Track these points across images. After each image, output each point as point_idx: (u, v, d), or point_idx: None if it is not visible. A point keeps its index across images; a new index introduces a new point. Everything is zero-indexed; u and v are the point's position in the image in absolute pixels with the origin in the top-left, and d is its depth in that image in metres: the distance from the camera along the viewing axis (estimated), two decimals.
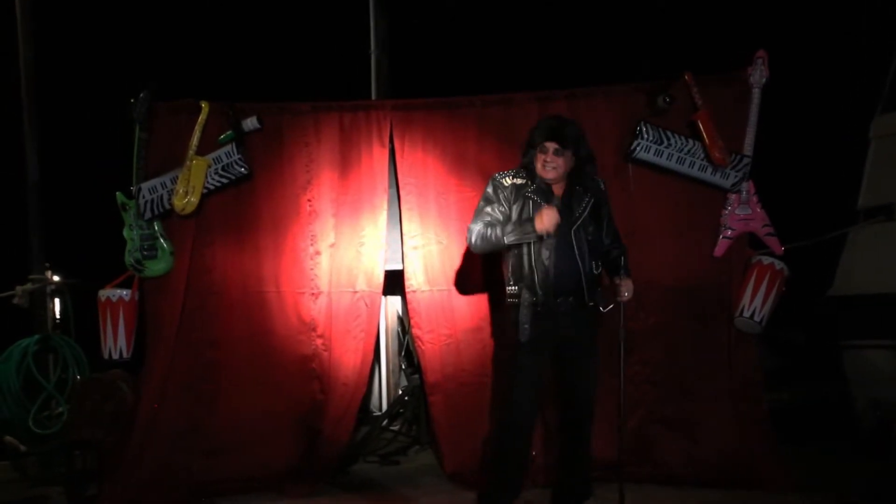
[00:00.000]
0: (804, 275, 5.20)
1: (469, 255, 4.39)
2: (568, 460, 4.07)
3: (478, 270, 4.95)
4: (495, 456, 4.07)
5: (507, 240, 3.79)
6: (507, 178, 3.96)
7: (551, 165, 3.82)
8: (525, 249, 3.84)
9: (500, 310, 4.08)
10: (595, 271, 3.92)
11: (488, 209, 3.94)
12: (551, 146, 3.81)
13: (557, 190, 3.92)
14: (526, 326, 3.82)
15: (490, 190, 3.98)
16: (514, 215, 3.88)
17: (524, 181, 3.92)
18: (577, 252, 3.83)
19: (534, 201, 3.86)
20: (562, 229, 3.79)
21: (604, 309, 3.96)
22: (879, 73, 5.82)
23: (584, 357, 3.97)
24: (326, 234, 5.15)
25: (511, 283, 3.93)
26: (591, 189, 3.94)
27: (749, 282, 4.78)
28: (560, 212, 3.75)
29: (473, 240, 3.93)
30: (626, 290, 3.93)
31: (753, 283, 4.77)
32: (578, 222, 3.86)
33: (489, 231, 3.86)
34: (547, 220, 3.69)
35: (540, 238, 3.75)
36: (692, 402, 4.85)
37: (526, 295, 3.84)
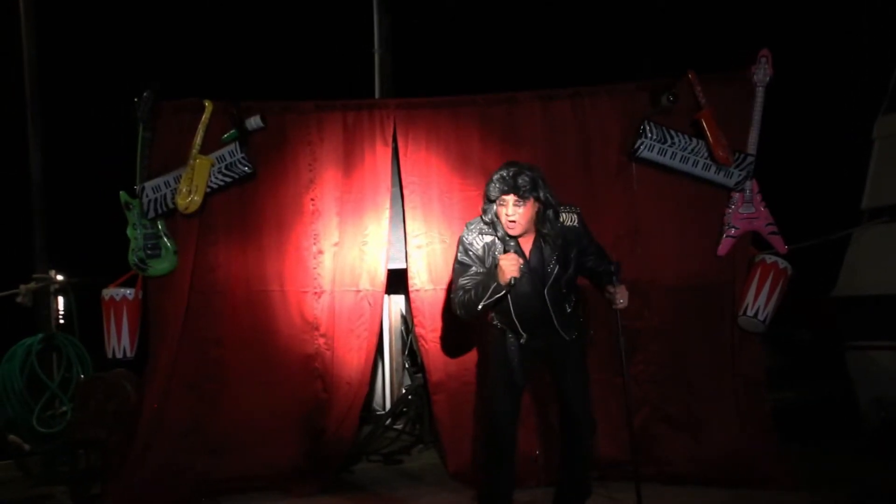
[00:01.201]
0: (808, 275, 5.20)
1: None
2: (567, 460, 4.02)
3: None
4: (486, 458, 4.04)
5: (482, 304, 3.67)
6: (476, 239, 3.81)
7: (513, 219, 3.66)
8: (506, 301, 3.76)
9: (485, 323, 4.04)
10: (569, 309, 3.86)
11: (464, 280, 3.79)
12: (510, 199, 3.65)
13: (525, 243, 3.78)
14: (515, 364, 3.85)
15: (461, 254, 3.84)
16: None
17: (491, 237, 3.80)
18: (550, 305, 3.76)
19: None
20: (535, 287, 3.75)
21: (581, 337, 3.93)
22: (883, 73, 5.80)
23: (572, 361, 3.92)
24: (330, 233, 5.15)
25: (495, 320, 3.92)
26: (559, 235, 3.78)
27: (753, 280, 4.78)
28: (520, 259, 3.66)
29: (458, 312, 3.83)
30: (622, 298, 3.83)
31: (757, 282, 4.77)
32: (550, 280, 3.76)
33: (465, 297, 3.73)
34: (507, 270, 3.57)
35: (509, 288, 3.64)
36: (696, 401, 4.85)
37: (511, 337, 3.86)
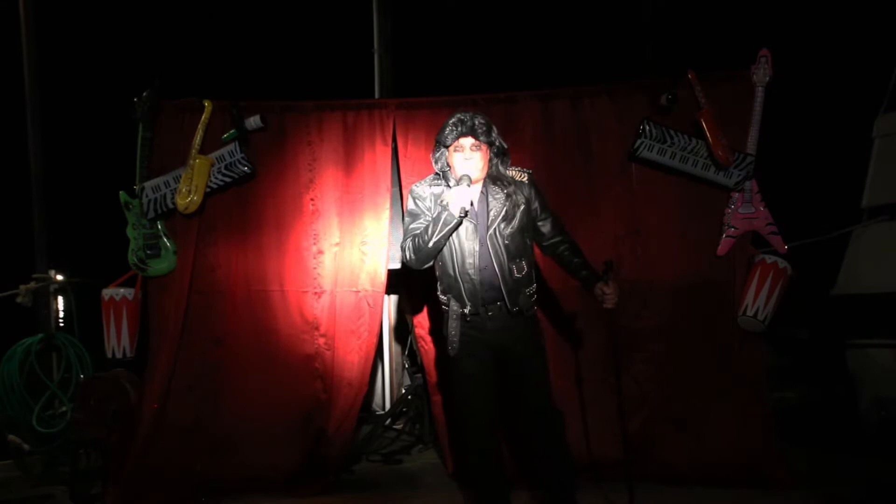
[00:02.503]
0: (808, 274, 5.19)
1: None
2: (547, 462, 3.89)
3: None
4: (471, 458, 3.97)
5: (434, 240, 3.64)
6: (424, 189, 3.82)
7: (471, 163, 3.66)
8: (450, 260, 3.71)
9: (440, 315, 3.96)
10: (518, 274, 3.71)
11: (414, 224, 3.78)
12: (467, 142, 3.65)
13: (472, 191, 3.73)
14: (455, 340, 3.73)
15: (411, 205, 3.83)
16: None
17: (441, 189, 3.76)
18: (494, 258, 3.68)
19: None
20: (478, 233, 3.69)
21: (526, 313, 3.77)
22: (883, 72, 5.80)
23: (525, 360, 3.79)
24: (329, 233, 5.15)
25: (440, 292, 3.84)
26: (507, 184, 3.76)
27: (752, 280, 4.78)
28: (472, 195, 3.63)
29: (408, 256, 3.77)
30: (615, 296, 3.73)
31: (757, 282, 4.77)
32: (493, 226, 3.68)
33: (417, 241, 3.69)
34: (456, 198, 3.56)
35: (460, 220, 3.61)
36: (697, 401, 4.85)
37: (455, 306, 3.74)
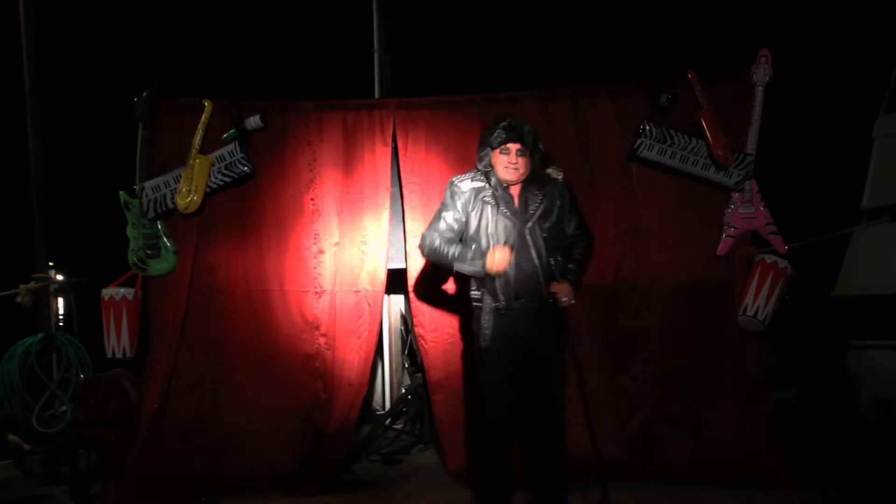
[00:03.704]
0: (808, 274, 5.19)
1: None
2: (545, 459, 3.93)
3: None
4: (482, 454, 4.02)
5: (456, 267, 3.83)
6: (464, 182, 3.93)
7: (513, 167, 3.80)
8: (486, 243, 3.82)
9: (469, 312, 4.01)
10: (555, 267, 3.85)
11: (444, 217, 3.92)
12: (514, 147, 3.80)
13: (514, 190, 3.88)
14: (487, 332, 3.82)
15: (448, 196, 3.95)
16: (474, 221, 3.87)
17: (482, 184, 3.90)
18: (533, 251, 3.79)
19: (491, 206, 3.84)
20: (517, 228, 3.80)
21: (558, 304, 3.83)
22: (883, 72, 5.80)
23: (546, 356, 3.86)
24: (330, 232, 5.15)
25: (474, 287, 3.90)
26: (546, 184, 3.90)
27: (752, 280, 4.78)
28: (510, 258, 3.73)
29: (426, 250, 3.95)
30: (564, 294, 3.80)
31: (757, 282, 4.76)
32: (532, 220, 3.81)
33: (443, 248, 3.87)
34: (498, 260, 3.69)
35: (490, 277, 3.75)
36: (696, 401, 4.85)
37: (489, 300, 3.82)
